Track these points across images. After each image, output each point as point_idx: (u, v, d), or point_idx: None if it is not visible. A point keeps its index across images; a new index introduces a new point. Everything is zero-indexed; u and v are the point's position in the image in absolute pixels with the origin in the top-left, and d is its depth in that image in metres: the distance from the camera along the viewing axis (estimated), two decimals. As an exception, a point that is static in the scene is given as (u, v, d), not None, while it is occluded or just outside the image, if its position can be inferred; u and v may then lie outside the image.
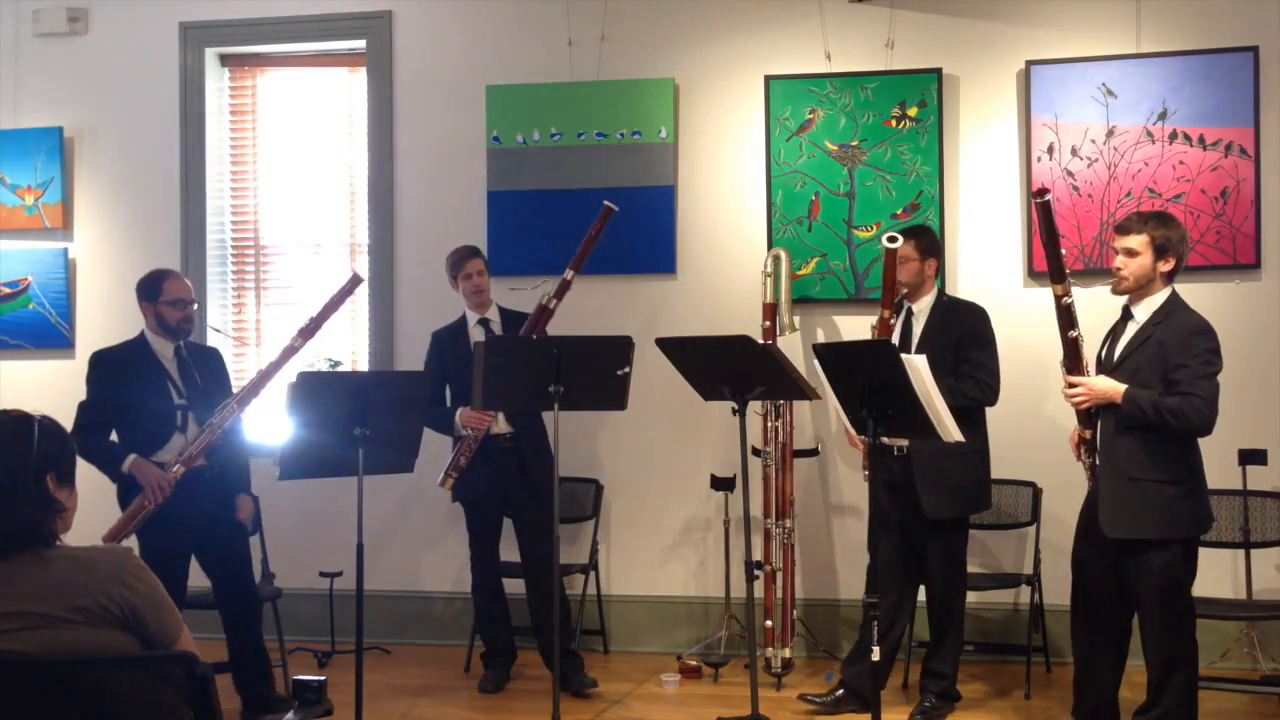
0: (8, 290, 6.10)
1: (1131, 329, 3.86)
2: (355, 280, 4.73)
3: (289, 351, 4.58)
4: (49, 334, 6.08)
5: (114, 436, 4.45)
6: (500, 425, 4.93)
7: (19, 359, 6.12)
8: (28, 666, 2.04)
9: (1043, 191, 3.80)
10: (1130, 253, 3.80)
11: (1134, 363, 3.79)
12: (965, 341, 4.48)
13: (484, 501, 4.99)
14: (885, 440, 4.48)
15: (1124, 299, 3.91)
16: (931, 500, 4.40)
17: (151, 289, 4.51)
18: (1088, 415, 3.87)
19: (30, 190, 6.09)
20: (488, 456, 4.91)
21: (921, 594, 4.71)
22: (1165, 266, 3.81)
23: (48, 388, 5.96)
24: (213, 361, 4.70)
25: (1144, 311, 3.83)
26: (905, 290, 4.57)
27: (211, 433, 4.39)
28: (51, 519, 2.16)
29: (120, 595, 2.11)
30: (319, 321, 4.63)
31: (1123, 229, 3.86)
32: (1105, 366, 3.90)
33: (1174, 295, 3.84)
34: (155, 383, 4.42)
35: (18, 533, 2.11)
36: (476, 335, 4.97)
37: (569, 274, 4.96)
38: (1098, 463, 3.88)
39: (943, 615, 4.53)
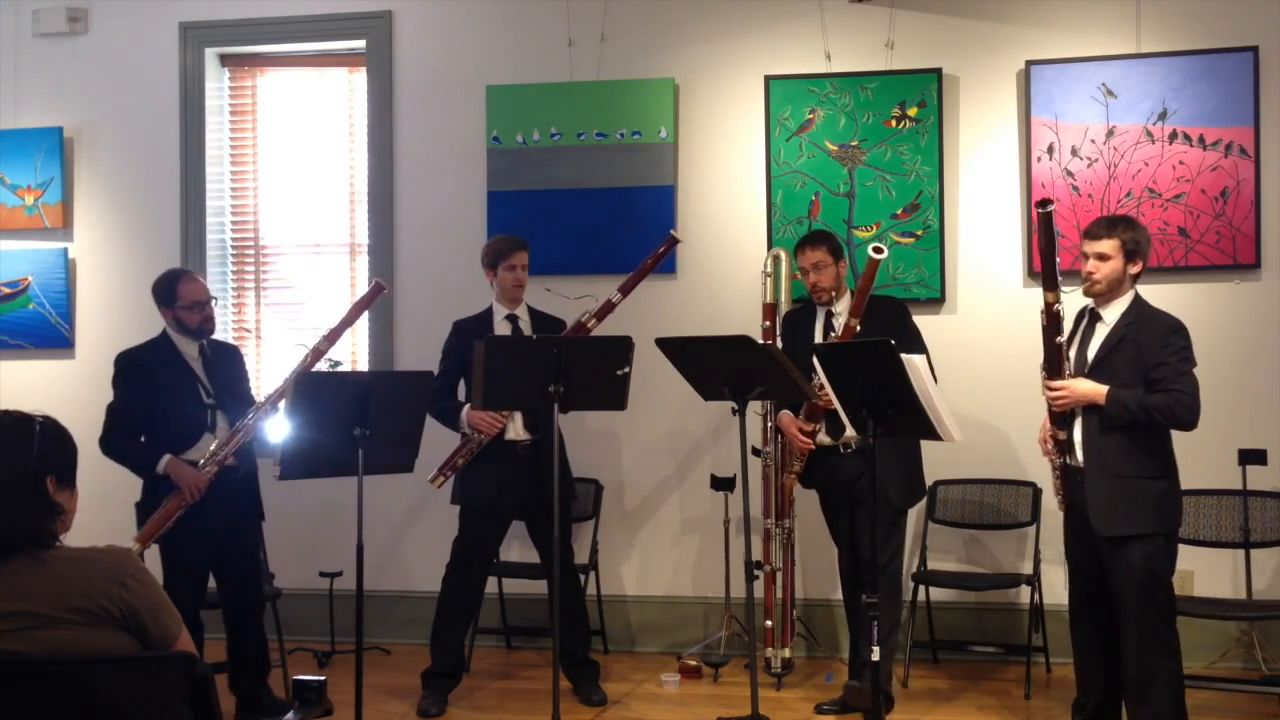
0: (8, 290, 6.10)
1: (1102, 331, 3.93)
2: (378, 288, 4.74)
3: (316, 354, 4.59)
4: (49, 334, 6.08)
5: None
6: (518, 432, 4.73)
7: (19, 359, 6.12)
8: (27, 667, 2.04)
9: (1046, 202, 3.85)
10: (1102, 257, 3.89)
11: (1112, 364, 3.86)
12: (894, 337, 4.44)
13: (488, 510, 4.75)
14: (829, 440, 4.52)
15: (1080, 302, 4.00)
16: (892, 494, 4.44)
17: (167, 293, 4.48)
18: (1062, 416, 3.92)
19: (30, 190, 6.09)
20: (500, 462, 4.71)
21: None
22: (1134, 269, 3.90)
23: (48, 388, 5.98)
24: (234, 359, 4.73)
25: (1113, 314, 3.91)
26: (825, 295, 4.58)
27: (246, 433, 4.41)
28: (51, 521, 2.15)
29: (119, 596, 2.11)
30: (341, 328, 4.66)
31: (1093, 234, 3.93)
32: (1079, 368, 3.94)
33: (1138, 296, 3.93)
34: (185, 383, 4.45)
35: (16, 536, 2.11)
36: (503, 330, 4.83)
37: (616, 297, 4.83)
38: (1070, 462, 3.95)
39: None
